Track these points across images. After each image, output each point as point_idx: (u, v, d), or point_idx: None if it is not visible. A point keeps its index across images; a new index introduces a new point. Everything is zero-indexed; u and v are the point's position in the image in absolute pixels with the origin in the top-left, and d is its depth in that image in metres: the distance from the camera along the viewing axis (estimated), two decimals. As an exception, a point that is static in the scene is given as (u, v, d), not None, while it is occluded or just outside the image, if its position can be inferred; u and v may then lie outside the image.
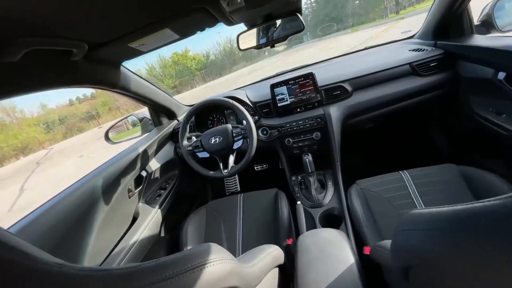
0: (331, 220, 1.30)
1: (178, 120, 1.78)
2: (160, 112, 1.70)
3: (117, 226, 1.17)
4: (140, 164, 1.33)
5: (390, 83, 1.40)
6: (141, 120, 1.71)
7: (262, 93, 1.59)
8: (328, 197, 1.37)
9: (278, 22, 1.11)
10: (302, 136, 1.49)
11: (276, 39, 1.12)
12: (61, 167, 9.51)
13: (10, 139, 24.47)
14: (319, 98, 1.42)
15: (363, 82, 1.42)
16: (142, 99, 1.42)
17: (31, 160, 15.91)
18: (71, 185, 1.03)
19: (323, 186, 1.44)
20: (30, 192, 7.59)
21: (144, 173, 1.38)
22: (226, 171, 1.29)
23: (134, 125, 1.76)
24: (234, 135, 1.30)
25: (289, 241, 1.06)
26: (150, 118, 1.73)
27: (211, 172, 1.33)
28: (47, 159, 13.85)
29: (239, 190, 2.25)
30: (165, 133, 1.62)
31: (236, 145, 1.31)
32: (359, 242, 1.04)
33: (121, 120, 1.74)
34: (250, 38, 1.18)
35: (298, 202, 1.22)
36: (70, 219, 0.92)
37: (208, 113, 1.77)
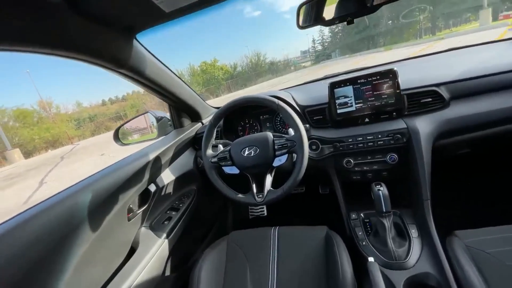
0: None
1: (202, 123, 1.45)
2: (182, 111, 1.38)
3: (107, 261, 0.83)
4: (149, 175, 1.00)
5: (506, 93, 0.98)
6: (159, 119, 1.42)
7: (314, 95, 1.22)
8: (415, 254, 0.90)
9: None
10: (369, 157, 1.08)
11: (360, 11, 0.75)
12: (82, 164, 9.65)
13: (43, 132, 25.98)
14: (400, 106, 1.02)
15: (467, 88, 1.00)
16: (160, 90, 1.10)
17: (57, 154, 16.54)
18: (44, 200, 0.71)
19: (401, 234, 0.99)
20: (47, 186, 7.65)
21: (152, 188, 1.05)
22: (260, 196, 0.91)
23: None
24: (276, 147, 0.92)
25: None
26: (170, 118, 1.42)
27: (240, 195, 0.96)
28: (71, 154, 14.27)
29: (265, 214, 1.85)
30: (185, 137, 1.29)
31: (277, 162, 0.93)
32: None
33: (136, 117, 1.47)
34: (316, 10, 0.82)
35: (371, 259, 0.80)
36: (36, 250, 0.61)
37: (239, 118, 1.43)
